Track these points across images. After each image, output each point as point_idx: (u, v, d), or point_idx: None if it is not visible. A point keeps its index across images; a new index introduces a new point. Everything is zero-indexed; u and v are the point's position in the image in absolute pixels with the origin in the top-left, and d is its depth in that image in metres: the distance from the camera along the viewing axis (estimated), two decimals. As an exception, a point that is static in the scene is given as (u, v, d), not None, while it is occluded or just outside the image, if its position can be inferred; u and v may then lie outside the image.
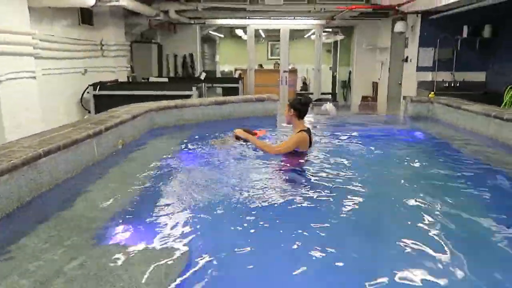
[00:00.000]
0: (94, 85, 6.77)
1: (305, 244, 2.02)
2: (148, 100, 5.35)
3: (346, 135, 4.57)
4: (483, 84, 7.23)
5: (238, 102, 5.82)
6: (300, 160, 3.48)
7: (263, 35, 14.67)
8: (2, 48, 4.52)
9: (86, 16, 6.96)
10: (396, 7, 7.61)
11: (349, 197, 2.65)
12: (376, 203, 2.66)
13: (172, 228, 2.19)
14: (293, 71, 11.47)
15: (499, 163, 3.50)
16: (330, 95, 12.58)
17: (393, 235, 2.18)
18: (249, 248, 1.99)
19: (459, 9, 6.01)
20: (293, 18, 10.05)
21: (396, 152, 4.04)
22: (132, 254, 1.91)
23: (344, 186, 2.86)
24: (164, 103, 5.20)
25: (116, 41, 7.80)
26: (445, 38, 7.02)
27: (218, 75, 12.73)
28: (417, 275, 1.77)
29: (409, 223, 2.31)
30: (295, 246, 2.01)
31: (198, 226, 2.23)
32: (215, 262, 1.87)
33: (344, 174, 3.15)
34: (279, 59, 11.10)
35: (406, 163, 3.63)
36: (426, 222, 2.28)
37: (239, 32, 13.85)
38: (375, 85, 9.98)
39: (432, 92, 6.55)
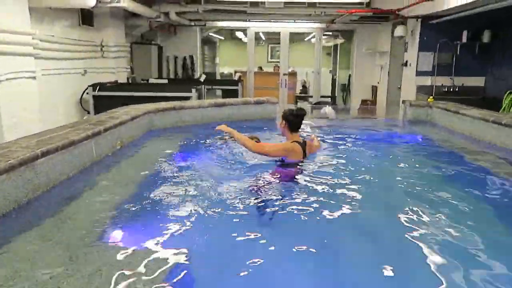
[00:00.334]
0: (94, 86, 6.77)
1: (305, 244, 2.03)
2: (148, 101, 5.36)
3: (344, 139, 4.56)
4: (482, 89, 7.25)
5: (237, 104, 5.83)
6: (297, 166, 3.40)
7: (263, 38, 14.69)
8: (2, 48, 4.53)
9: (86, 17, 6.97)
10: (396, 12, 7.63)
11: (347, 200, 2.64)
12: (375, 207, 2.65)
13: (171, 228, 2.19)
14: (293, 74, 11.48)
15: (497, 168, 3.49)
16: (330, 98, 12.59)
17: (392, 239, 2.19)
18: (249, 248, 2.00)
19: (459, 14, 6.03)
20: (293, 21, 10.08)
21: (394, 155, 4.04)
22: (130, 255, 1.90)
23: (342, 191, 2.85)
24: (163, 104, 5.20)
25: (116, 42, 7.81)
26: (445, 42, 7.04)
27: (218, 77, 12.74)
28: (418, 277, 1.77)
29: (407, 226, 2.31)
30: (294, 247, 2.01)
31: (197, 226, 2.24)
32: (215, 262, 1.87)
33: (342, 177, 3.14)
34: (279, 61, 11.12)
35: (403, 166, 3.63)
36: (425, 226, 2.27)
37: (239, 34, 13.89)
38: (374, 89, 10.00)
39: (431, 97, 6.56)
